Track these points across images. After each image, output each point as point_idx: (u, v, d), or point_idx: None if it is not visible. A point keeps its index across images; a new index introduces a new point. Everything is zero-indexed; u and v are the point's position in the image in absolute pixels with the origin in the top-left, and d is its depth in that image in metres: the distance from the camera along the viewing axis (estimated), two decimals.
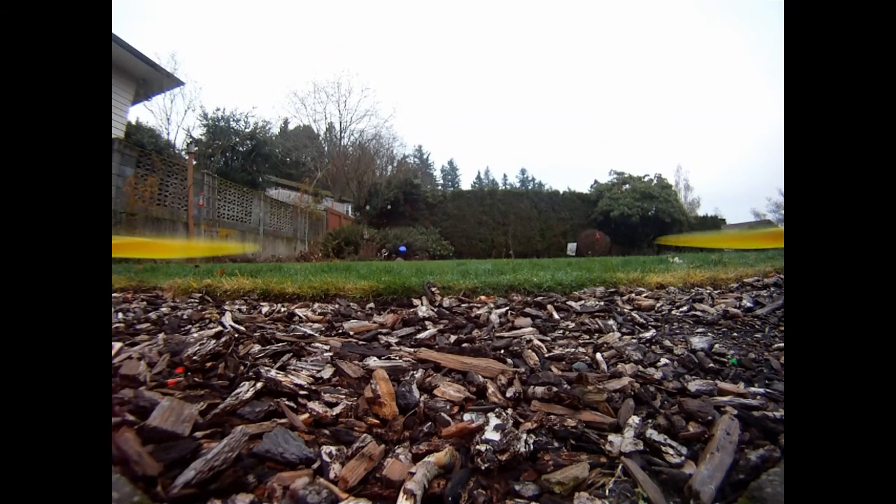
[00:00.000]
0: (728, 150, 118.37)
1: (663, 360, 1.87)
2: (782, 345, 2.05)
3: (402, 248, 20.24)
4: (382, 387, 1.46)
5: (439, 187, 62.84)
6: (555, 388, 1.45)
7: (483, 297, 3.40)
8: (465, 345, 2.04)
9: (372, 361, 1.80)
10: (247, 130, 22.89)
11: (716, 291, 3.68)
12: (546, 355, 1.93)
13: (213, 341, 1.85)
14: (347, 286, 3.57)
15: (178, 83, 18.18)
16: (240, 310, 3.02)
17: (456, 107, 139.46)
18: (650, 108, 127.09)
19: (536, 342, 2.07)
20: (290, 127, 44.33)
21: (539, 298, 3.31)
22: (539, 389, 1.47)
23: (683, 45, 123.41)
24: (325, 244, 19.73)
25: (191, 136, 24.37)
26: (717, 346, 2.06)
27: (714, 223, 33.35)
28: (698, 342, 2.06)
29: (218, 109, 23.14)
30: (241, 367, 1.71)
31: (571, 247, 26.38)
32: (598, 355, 1.93)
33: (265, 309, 3.03)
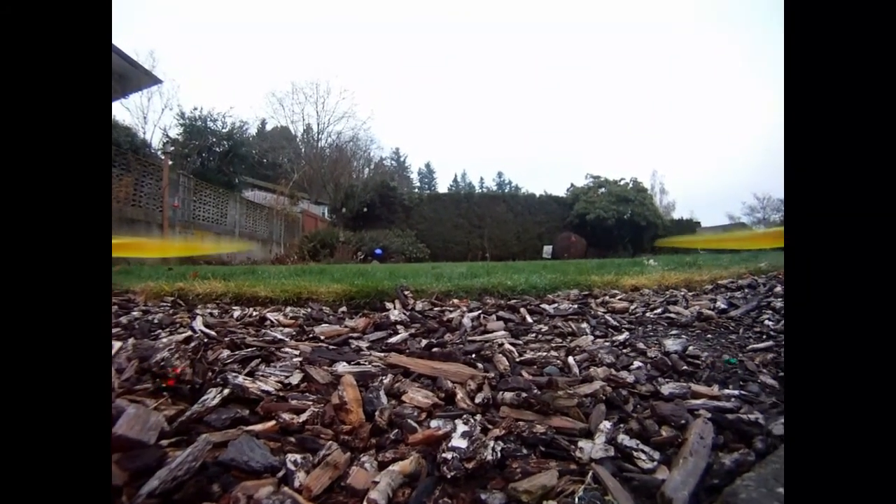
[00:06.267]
0: (704, 153, 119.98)
1: (636, 363, 1.85)
2: (757, 346, 2.04)
3: (378, 251, 20.15)
4: (349, 393, 1.42)
5: (416, 190, 62.84)
6: (524, 394, 1.42)
7: (456, 301, 3.37)
8: (435, 349, 2.00)
9: (341, 367, 1.75)
10: (224, 131, 22.56)
11: (690, 293, 3.70)
12: (517, 359, 1.89)
13: (182, 347, 1.79)
14: (320, 290, 3.52)
15: (156, 81, 17.84)
16: (211, 314, 2.95)
17: (434, 109, 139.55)
18: (626, 113, 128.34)
19: (508, 346, 2.04)
20: (268, 128, 44.02)
21: (512, 301, 3.30)
22: (508, 395, 1.43)
23: (659, 51, 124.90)
24: (300, 247, 19.61)
25: (167, 136, 23.94)
26: (690, 348, 2.04)
27: (689, 226, 33.82)
28: (672, 344, 2.05)
29: (195, 109, 22.73)
30: (210, 374, 1.65)
31: (547, 249, 26.51)
32: (570, 359, 1.90)
33: (237, 313, 2.97)
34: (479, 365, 1.80)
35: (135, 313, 2.93)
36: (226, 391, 1.46)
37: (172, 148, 21.57)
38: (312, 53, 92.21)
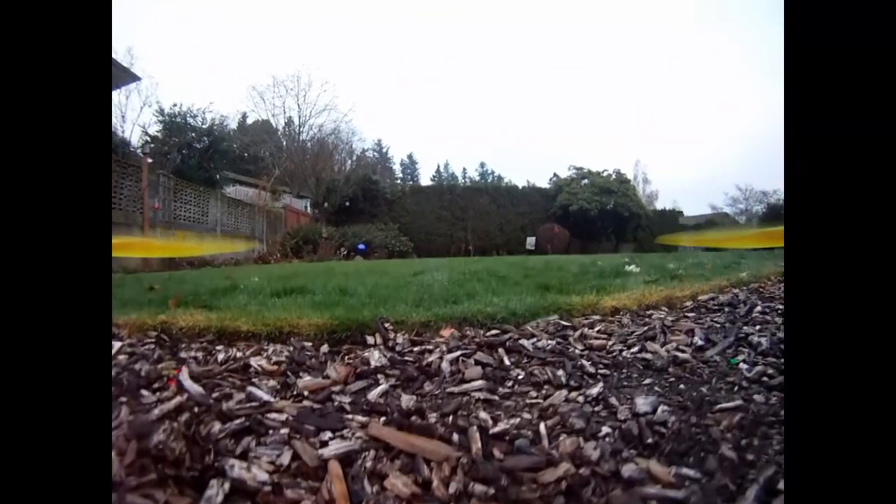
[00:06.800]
0: (687, 143, 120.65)
1: (605, 429, 1.94)
2: (725, 405, 2.12)
3: (361, 247, 20.18)
4: (337, 487, 1.52)
5: (398, 181, 62.72)
6: (491, 490, 1.52)
7: (437, 335, 3.46)
8: (413, 417, 2.09)
9: (328, 450, 1.80)
10: (204, 127, 22.37)
11: (669, 318, 3.81)
12: (491, 431, 1.97)
13: (175, 421, 1.86)
14: (301, 322, 3.59)
15: (135, 78, 17.74)
16: (195, 359, 3.01)
17: (416, 100, 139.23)
18: (609, 103, 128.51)
19: (483, 415, 2.12)
20: (249, 121, 43.73)
21: (492, 333, 3.40)
22: (478, 488, 1.53)
23: (640, 42, 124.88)
24: (283, 244, 19.61)
25: (146, 134, 23.75)
26: (660, 409, 2.11)
27: (672, 216, 34.26)
28: (643, 404, 2.12)
29: (175, 105, 22.57)
30: (207, 457, 1.72)
31: (530, 241, 26.68)
32: (542, 426, 1.99)
33: (221, 356, 3.03)
34: (455, 437, 1.88)
35: (121, 358, 2.97)
36: (226, 485, 1.55)
37: (153, 145, 21.39)
38: (293, 46, 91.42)
